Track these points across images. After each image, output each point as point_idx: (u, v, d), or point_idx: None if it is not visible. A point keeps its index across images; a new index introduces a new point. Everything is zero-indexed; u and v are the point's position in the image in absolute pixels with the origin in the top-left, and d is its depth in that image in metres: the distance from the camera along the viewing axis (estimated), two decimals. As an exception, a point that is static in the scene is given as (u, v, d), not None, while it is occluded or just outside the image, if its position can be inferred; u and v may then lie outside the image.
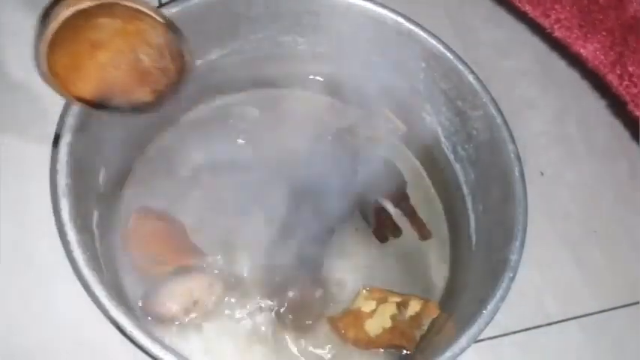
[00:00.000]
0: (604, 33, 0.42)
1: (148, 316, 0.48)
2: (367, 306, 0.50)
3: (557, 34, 0.44)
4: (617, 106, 0.46)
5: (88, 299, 0.41)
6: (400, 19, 0.53)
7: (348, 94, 0.60)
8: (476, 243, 0.54)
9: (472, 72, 0.52)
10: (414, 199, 0.57)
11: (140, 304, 0.48)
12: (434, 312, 0.51)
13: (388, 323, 0.50)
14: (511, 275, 0.46)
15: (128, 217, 0.51)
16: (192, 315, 0.48)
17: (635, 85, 0.41)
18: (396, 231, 0.55)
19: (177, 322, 0.48)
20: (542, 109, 0.63)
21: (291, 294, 0.51)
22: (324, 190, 0.55)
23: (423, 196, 0.59)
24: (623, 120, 0.49)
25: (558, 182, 0.61)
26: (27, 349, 0.46)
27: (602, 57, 0.42)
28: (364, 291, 0.51)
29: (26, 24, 0.55)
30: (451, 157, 0.57)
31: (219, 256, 0.51)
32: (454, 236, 0.57)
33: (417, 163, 0.60)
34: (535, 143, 0.59)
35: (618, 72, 0.42)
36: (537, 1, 0.44)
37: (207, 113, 0.58)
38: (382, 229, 0.55)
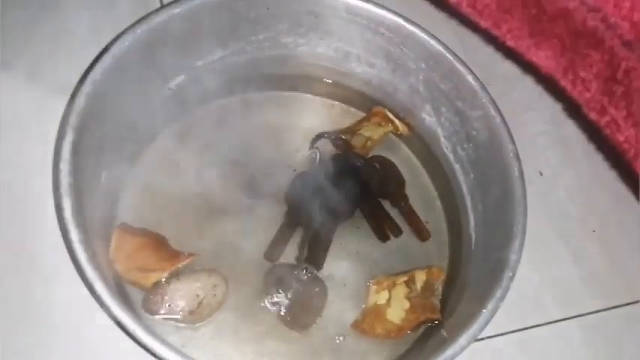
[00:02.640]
0: (554, 41, 0.42)
1: (151, 315, 0.48)
2: (381, 298, 0.51)
3: (510, 43, 0.45)
4: (571, 109, 0.47)
5: (91, 298, 0.41)
6: (400, 20, 0.53)
7: (349, 94, 0.61)
8: (475, 242, 0.54)
9: (472, 73, 0.52)
10: (414, 199, 0.58)
11: (143, 303, 0.48)
12: (440, 274, 0.53)
13: (406, 304, 0.51)
14: (510, 274, 0.46)
15: (128, 217, 0.52)
16: (196, 315, 0.48)
17: (588, 90, 0.42)
18: (397, 230, 0.56)
19: (180, 323, 0.48)
20: (541, 109, 0.64)
21: (292, 293, 0.51)
22: (324, 189, 0.55)
23: (423, 196, 0.59)
24: (577, 123, 0.50)
25: (557, 182, 0.62)
26: (29, 348, 0.46)
27: (554, 64, 0.43)
28: (372, 285, 0.51)
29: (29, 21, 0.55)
30: (451, 157, 0.57)
31: (210, 255, 0.51)
32: (454, 236, 0.57)
33: (417, 163, 0.60)
34: (534, 143, 0.59)
35: (571, 78, 0.43)
36: (488, 13, 0.44)
37: (208, 114, 0.58)
38: (383, 228, 0.55)
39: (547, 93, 0.52)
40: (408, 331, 0.51)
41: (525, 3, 0.42)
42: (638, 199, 0.54)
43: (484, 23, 0.45)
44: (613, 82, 0.40)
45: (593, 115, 0.43)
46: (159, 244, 0.51)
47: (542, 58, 0.44)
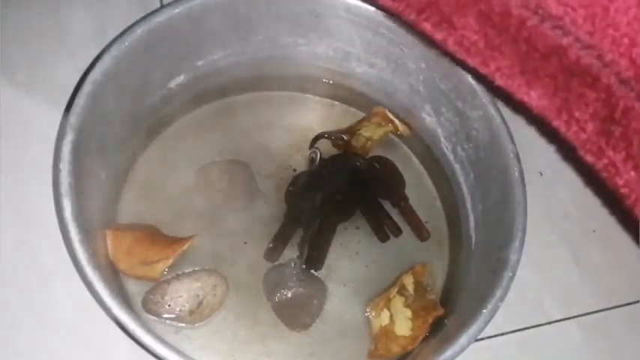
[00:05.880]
0: (547, 79, 0.40)
1: (151, 315, 0.48)
2: (383, 319, 0.50)
3: (499, 82, 0.42)
4: (565, 151, 0.45)
5: (91, 298, 0.41)
6: (400, 20, 0.53)
7: (349, 94, 0.61)
8: (475, 243, 0.54)
9: (471, 73, 0.52)
10: (414, 199, 0.58)
11: (143, 303, 0.48)
12: (424, 269, 0.53)
13: (408, 313, 0.50)
14: (510, 275, 0.46)
15: (128, 217, 0.52)
16: (196, 315, 0.48)
17: (584, 131, 0.40)
18: (397, 230, 0.56)
19: (180, 322, 0.48)
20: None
21: (291, 293, 0.51)
22: (324, 189, 0.55)
23: (423, 196, 0.59)
24: (572, 165, 0.47)
25: (557, 182, 0.62)
26: (28, 348, 0.46)
27: (547, 103, 0.41)
28: (370, 312, 0.51)
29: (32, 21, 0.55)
30: (451, 157, 0.57)
31: (210, 255, 0.51)
32: (454, 236, 0.57)
33: (417, 163, 0.61)
34: (534, 143, 0.59)
35: (565, 118, 0.40)
36: (476, 51, 0.42)
37: (208, 114, 0.58)
38: (383, 228, 0.55)
39: (539, 134, 0.49)
40: (426, 334, 0.50)
41: (516, 40, 0.40)
42: (638, 245, 0.52)
43: (471, 61, 0.43)
44: (610, 123, 0.38)
45: (589, 158, 0.40)
46: (153, 234, 0.51)
47: (533, 97, 0.41)
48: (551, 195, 0.61)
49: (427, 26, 0.43)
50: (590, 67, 0.36)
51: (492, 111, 0.52)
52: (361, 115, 0.61)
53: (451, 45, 0.43)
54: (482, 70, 0.42)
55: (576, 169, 0.46)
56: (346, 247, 0.55)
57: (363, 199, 0.56)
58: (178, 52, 0.53)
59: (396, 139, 0.61)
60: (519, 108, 0.43)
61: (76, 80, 0.48)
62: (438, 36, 0.43)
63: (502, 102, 0.50)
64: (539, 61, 0.39)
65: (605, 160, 0.39)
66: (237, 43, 0.55)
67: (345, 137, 0.58)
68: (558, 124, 0.41)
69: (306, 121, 0.60)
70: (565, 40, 0.36)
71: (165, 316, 0.48)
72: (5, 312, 0.47)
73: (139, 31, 0.48)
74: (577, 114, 0.39)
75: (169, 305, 0.48)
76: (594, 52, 0.36)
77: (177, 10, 0.50)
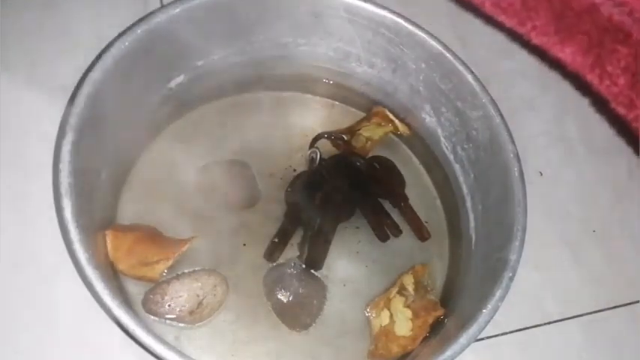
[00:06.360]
0: (580, 36, 0.44)
1: (151, 315, 0.48)
2: (383, 319, 0.50)
3: (535, 41, 0.46)
4: (599, 104, 0.47)
5: (91, 298, 0.41)
6: (400, 20, 0.53)
7: (349, 94, 0.61)
8: (475, 243, 0.54)
9: (472, 73, 0.53)
10: (414, 199, 0.58)
11: (143, 303, 0.48)
12: (424, 270, 0.53)
13: (409, 313, 0.50)
14: (510, 275, 0.46)
15: (128, 217, 0.52)
16: (196, 315, 0.48)
17: (616, 85, 0.43)
18: (397, 230, 0.56)
19: (180, 322, 0.48)
20: (541, 109, 0.64)
21: (291, 293, 0.51)
22: (324, 189, 0.55)
23: (423, 196, 0.59)
24: (606, 117, 0.50)
25: (557, 182, 0.62)
26: (28, 348, 0.46)
27: (581, 59, 0.45)
28: (370, 312, 0.51)
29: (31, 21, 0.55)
30: (451, 157, 0.57)
31: (210, 255, 0.51)
32: (454, 236, 0.57)
33: (417, 163, 0.61)
34: (534, 143, 0.59)
35: (598, 72, 0.44)
36: (513, 12, 0.45)
37: (208, 114, 0.58)
38: (383, 228, 0.55)
39: (573, 89, 0.51)
40: (426, 334, 0.50)
41: (550, 0, 0.42)
42: None
43: (508, 22, 0.46)
44: None
45: (620, 110, 0.44)
46: (153, 234, 0.51)
47: (568, 54, 0.45)
48: (551, 195, 0.61)
49: None
50: (622, 24, 0.40)
51: (492, 111, 0.52)
52: (361, 115, 0.61)
53: (489, 7, 0.46)
54: (519, 30, 0.45)
55: (608, 120, 0.48)
56: (346, 247, 0.55)
57: (363, 199, 0.56)
58: (178, 52, 0.53)
59: (396, 139, 0.61)
60: (554, 64, 0.45)
61: (76, 80, 0.48)
62: None
63: (538, 59, 0.52)
64: (574, 20, 0.43)
65: (637, 112, 0.42)
66: (237, 43, 0.55)
67: (345, 137, 0.58)
68: (591, 78, 0.44)
69: (306, 121, 0.60)
70: None
71: (166, 316, 0.48)
72: (5, 312, 0.47)
73: (139, 31, 0.48)
74: (609, 68, 0.43)
75: (169, 305, 0.48)
76: (626, 9, 0.39)
77: (177, 10, 0.50)
